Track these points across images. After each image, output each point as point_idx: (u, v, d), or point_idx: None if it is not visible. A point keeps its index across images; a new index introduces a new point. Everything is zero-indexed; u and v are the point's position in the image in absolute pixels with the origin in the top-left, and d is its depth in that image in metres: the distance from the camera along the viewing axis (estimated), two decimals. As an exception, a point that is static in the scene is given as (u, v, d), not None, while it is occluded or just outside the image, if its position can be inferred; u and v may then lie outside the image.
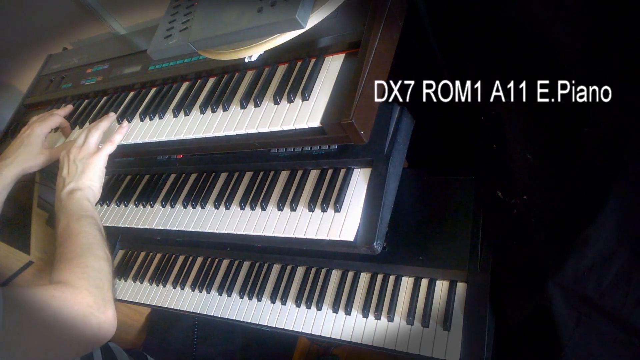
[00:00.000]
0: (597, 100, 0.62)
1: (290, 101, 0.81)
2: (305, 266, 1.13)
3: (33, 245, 1.66)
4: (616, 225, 0.65)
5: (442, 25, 0.87)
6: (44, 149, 1.05)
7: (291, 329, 1.06)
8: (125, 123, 1.03)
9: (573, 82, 0.64)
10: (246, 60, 0.83)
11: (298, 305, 1.08)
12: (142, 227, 1.12)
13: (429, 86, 0.82)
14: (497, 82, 0.75)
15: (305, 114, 0.78)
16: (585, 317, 0.71)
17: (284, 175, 1.03)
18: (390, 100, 0.94)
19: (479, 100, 0.83)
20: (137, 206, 1.17)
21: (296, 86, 0.82)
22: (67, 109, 1.18)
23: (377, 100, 0.76)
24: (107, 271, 0.77)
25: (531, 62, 0.68)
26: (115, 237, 1.49)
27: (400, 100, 0.88)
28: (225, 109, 0.89)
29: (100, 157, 0.95)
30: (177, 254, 1.36)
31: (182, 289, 1.27)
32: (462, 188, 1.01)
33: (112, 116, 1.04)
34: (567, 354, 0.73)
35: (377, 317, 0.98)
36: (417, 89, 1.02)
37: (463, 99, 0.93)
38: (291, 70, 0.86)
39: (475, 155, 0.99)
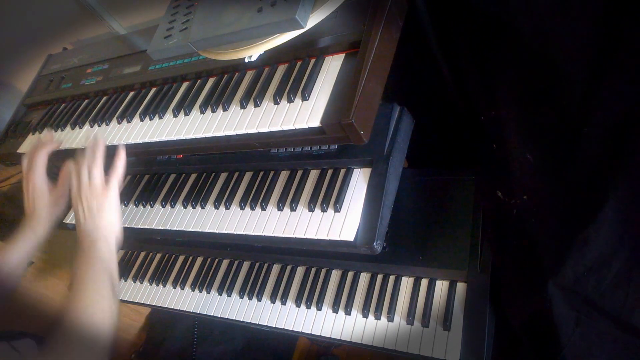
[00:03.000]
0: (597, 100, 0.62)
1: (290, 101, 0.81)
2: (305, 266, 1.13)
3: (33, 245, 1.65)
4: (616, 225, 0.65)
5: (442, 25, 0.87)
6: (53, 191, 1.03)
7: (291, 329, 1.06)
8: (121, 147, 0.99)
9: (573, 82, 0.64)
10: (246, 60, 0.83)
11: (298, 305, 1.08)
12: (142, 227, 1.12)
13: (429, 86, 0.82)
14: (497, 82, 0.75)
15: (305, 114, 0.77)
16: (585, 317, 0.71)
17: (284, 175, 1.03)
18: (390, 100, 0.94)
19: (479, 100, 0.83)
20: (137, 206, 1.17)
21: (296, 86, 0.82)
22: (49, 135, 1.11)
23: (377, 100, 0.76)
24: (101, 319, 0.77)
25: (531, 62, 0.68)
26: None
27: (400, 100, 0.88)
28: (225, 109, 0.89)
29: (112, 192, 0.94)
30: (177, 254, 1.36)
31: (182, 289, 1.27)
32: (462, 188, 1.01)
33: (101, 141, 0.99)
34: (567, 354, 0.73)
35: (377, 317, 0.98)
36: (417, 88, 1.02)
37: (463, 99, 0.93)
38: (291, 70, 0.86)
39: (475, 155, 0.99)
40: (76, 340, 0.73)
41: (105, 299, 0.80)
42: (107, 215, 0.91)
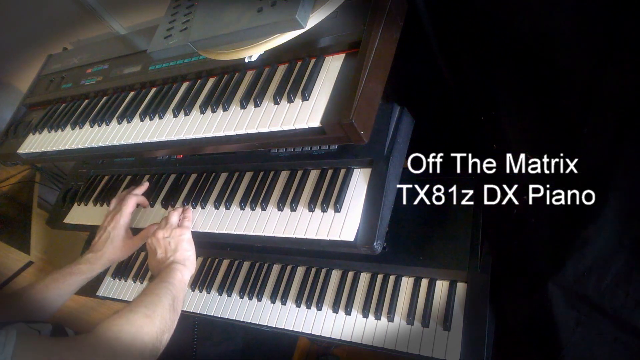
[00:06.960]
0: (597, 100, 0.62)
1: (290, 101, 0.81)
2: (305, 266, 1.13)
3: (33, 245, 1.66)
4: (616, 225, 0.65)
5: (442, 24, 0.87)
6: (128, 239, 1.10)
7: (291, 329, 1.06)
8: (188, 208, 1.07)
9: (573, 82, 0.64)
10: (246, 60, 0.83)
11: (298, 306, 1.08)
12: (142, 227, 1.12)
13: (429, 86, 0.82)
14: (497, 82, 0.75)
15: (305, 114, 0.77)
16: (585, 317, 0.71)
17: (284, 175, 1.03)
18: (390, 100, 0.94)
19: (479, 100, 0.83)
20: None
21: (296, 86, 0.82)
22: (144, 186, 1.18)
23: (377, 100, 0.76)
24: (146, 332, 0.80)
25: (531, 62, 0.68)
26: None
27: (400, 100, 0.88)
28: (225, 109, 0.89)
29: (185, 229, 1.01)
30: (177, 254, 1.35)
31: (182, 289, 1.27)
32: (462, 188, 1.01)
33: (188, 207, 1.08)
34: (567, 354, 0.73)
35: (377, 317, 0.98)
36: (417, 88, 1.02)
37: (463, 99, 0.93)
38: (291, 70, 0.86)
39: (475, 155, 0.99)
40: (107, 344, 0.76)
41: (159, 315, 0.84)
42: (184, 247, 0.99)
